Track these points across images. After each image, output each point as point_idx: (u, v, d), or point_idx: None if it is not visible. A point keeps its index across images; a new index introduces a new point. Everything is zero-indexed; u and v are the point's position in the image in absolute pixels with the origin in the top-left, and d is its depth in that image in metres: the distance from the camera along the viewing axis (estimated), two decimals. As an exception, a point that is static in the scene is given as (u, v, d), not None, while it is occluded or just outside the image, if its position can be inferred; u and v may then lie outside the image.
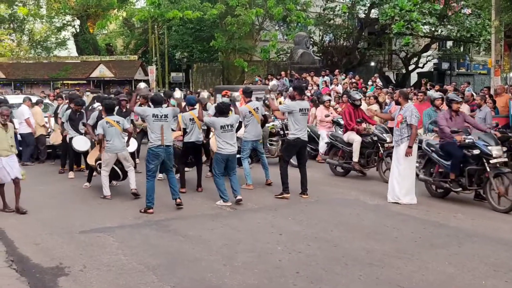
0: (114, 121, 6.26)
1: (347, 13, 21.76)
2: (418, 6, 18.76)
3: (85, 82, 24.11)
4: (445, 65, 28.23)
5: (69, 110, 7.90)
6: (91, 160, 6.82)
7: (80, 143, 7.48)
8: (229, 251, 4.30)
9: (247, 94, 6.90)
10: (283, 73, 16.42)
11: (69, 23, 28.23)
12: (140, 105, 7.06)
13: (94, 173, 7.38)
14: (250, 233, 4.84)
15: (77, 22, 28.17)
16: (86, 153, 7.43)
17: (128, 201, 6.17)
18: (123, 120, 6.53)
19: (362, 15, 22.98)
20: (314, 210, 5.76)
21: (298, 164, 6.47)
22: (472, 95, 9.11)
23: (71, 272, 3.85)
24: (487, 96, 8.87)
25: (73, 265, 4.00)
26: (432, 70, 27.62)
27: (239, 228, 5.01)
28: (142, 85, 6.50)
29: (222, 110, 6.04)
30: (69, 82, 24.60)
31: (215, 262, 4.04)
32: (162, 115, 5.74)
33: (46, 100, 11.71)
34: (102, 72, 24.09)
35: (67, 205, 6.09)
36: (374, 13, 22.27)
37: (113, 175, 6.42)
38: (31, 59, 26.58)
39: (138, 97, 6.64)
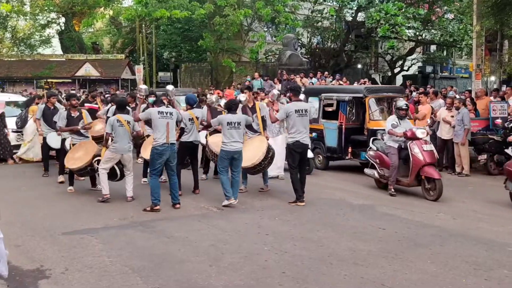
0: (125, 120, 6.00)
1: (335, 16, 22.01)
2: (403, 10, 19.16)
3: (70, 81, 23.74)
4: (429, 69, 28.85)
5: (66, 111, 7.30)
6: (71, 160, 6.46)
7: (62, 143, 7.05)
8: (216, 252, 4.29)
9: (295, 92, 6.21)
10: (256, 74, 16.70)
11: (53, 20, 27.73)
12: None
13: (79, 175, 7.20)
14: (237, 234, 4.84)
15: (62, 19, 27.71)
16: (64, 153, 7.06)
17: (113, 202, 6.08)
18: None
19: (349, 18, 23.27)
20: (300, 210, 5.79)
21: (298, 168, 6.16)
22: (454, 98, 9.33)
23: (52, 275, 3.78)
24: (468, 99, 9.08)
25: (55, 267, 3.92)
26: (417, 73, 28.16)
27: (226, 229, 5.00)
28: (143, 87, 6.45)
29: (230, 107, 6.04)
30: (54, 80, 24.19)
31: (201, 263, 4.02)
32: (167, 112, 5.71)
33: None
34: (87, 71, 23.73)
35: (50, 207, 5.97)
36: (361, 16, 22.58)
37: (110, 174, 6.12)
38: (13, 57, 26.03)
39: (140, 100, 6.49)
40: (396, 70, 25.90)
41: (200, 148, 6.96)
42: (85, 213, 5.62)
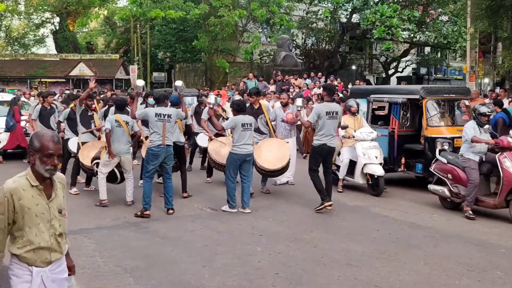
0: (124, 121, 5.85)
1: (329, 17, 22.11)
2: (398, 12, 19.28)
3: (63, 80, 23.61)
4: (423, 70, 29.09)
5: (69, 109, 7.12)
6: (86, 158, 6.28)
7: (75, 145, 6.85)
8: (209, 252, 4.27)
9: (329, 92, 5.83)
10: (250, 74, 16.51)
11: (48, 20, 27.64)
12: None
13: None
14: (230, 235, 4.82)
15: (57, 19, 27.61)
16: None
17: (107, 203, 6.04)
18: (133, 121, 5.94)
19: (344, 20, 23.39)
20: (294, 211, 5.78)
21: (323, 170, 5.86)
22: None
23: (45, 275, 3.74)
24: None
25: (47, 268, 3.88)
26: (411, 74, 28.36)
27: (219, 230, 4.99)
28: (140, 82, 6.15)
29: (241, 108, 5.78)
30: (47, 80, 24.06)
31: (194, 264, 4.00)
32: (165, 115, 5.52)
33: (22, 98, 11.38)
34: (81, 70, 23.64)
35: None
36: (355, 18, 22.69)
37: (110, 177, 5.98)
38: (7, 56, 25.91)
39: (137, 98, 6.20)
40: (390, 72, 26.06)
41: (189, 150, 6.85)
42: (78, 214, 5.56)
